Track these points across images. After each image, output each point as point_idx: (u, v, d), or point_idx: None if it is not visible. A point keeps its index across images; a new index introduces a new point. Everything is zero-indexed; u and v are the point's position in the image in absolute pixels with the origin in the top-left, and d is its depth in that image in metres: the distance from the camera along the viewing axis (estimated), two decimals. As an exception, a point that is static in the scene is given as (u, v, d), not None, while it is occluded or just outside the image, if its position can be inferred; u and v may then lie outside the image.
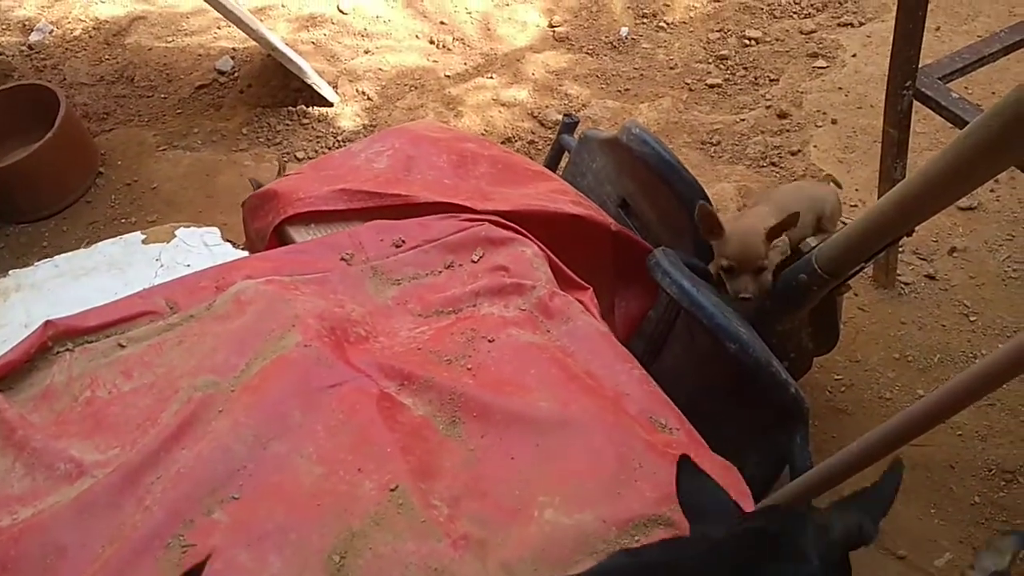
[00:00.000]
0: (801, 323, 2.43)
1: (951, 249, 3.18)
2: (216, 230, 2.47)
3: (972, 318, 3.00)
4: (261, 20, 4.36)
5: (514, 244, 2.04)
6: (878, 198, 2.95)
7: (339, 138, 3.89)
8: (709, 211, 2.14)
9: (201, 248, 2.39)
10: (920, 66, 2.58)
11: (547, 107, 3.91)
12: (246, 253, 2.40)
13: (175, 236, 2.41)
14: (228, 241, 2.41)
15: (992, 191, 3.31)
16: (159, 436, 1.57)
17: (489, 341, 1.80)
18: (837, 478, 2.00)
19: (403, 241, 2.03)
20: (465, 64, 4.20)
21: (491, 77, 4.10)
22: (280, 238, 2.18)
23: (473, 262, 2.00)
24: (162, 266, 2.31)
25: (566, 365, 1.75)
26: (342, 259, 2.00)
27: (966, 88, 3.52)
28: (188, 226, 2.45)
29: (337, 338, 1.78)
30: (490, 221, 2.09)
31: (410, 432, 1.61)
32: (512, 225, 2.10)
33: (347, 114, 4.00)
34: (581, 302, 2.03)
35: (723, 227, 2.16)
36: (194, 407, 1.62)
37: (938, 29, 3.97)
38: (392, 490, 1.52)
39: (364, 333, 1.84)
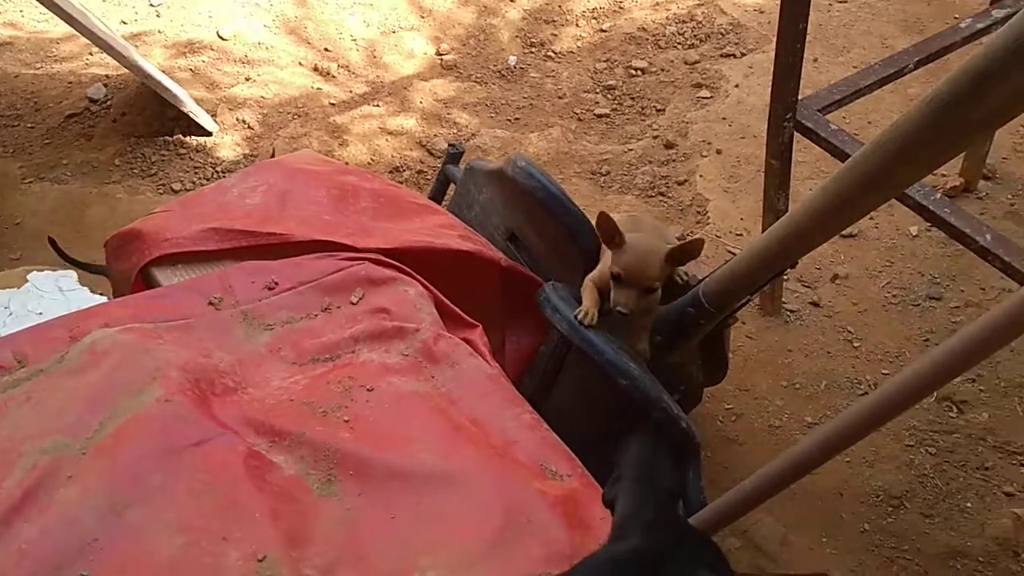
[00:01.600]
0: (690, 356, 2.41)
1: (834, 276, 3.23)
2: (73, 274, 2.29)
3: (856, 344, 3.05)
4: (136, 46, 4.17)
5: (396, 284, 1.95)
6: (762, 227, 2.98)
7: (218, 168, 3.73)
8: (609, 218, 2.02)
9: (55, 293, 2.21)
10: (800, 98, 2.61)
11: (435, 136, 3.84)
12: (104, 299, 2.24)
13: (27, 281, 2.22)
14: (86, 286, 2.23)
15: (871, 218, 3.38)
16: (-2, 508, 1.42)
17: (368, 390, 1.70)
18: (731, 516, 1.98)
19: (276, 283, 1.91)
20: (350, 92, 4.10)
21: (378, 105, 4.01)
22: (146, 281, 2.03)
23: (352, 304, 1.90)
24: (11, 314, 2.13)
25: (451, 414, 1.67)
26: (210, 303, 1.87)
27: (844, 118, 3.60)
28: (42, 269, 2.26)
29: (202, 391, 1.65)
30: (371, 260, 1.99)
31: (281, 493, 1.50)
32: (395, 263, 2.01)
33: (227, 144, 3.85)
34: (470, 341, 1.95)
35: (624, 237, 2.04)
36: (40, 473, 1.47)
37: (816, 60, 4.07)
38: (260, 560, 1.40)
39: (232, 384, 1.72)
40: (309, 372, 1.77)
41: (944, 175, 3.40)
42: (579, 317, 2.06)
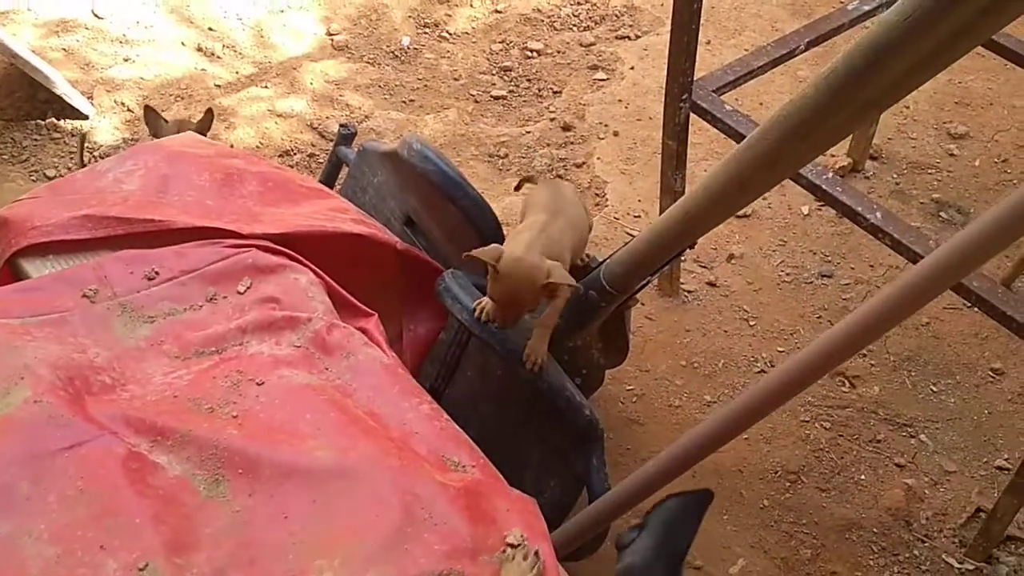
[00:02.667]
0: (592, 338, 2.39)
1: (729, 256, 3.26)
2: (-71, 267, 2.11)
3: (751, 322, 3.09)
4: (3, 24, 3.92)
5: (286, 271, 1.87)
6: (660, 208, 2.98)
7: (96, 154, 3.53)
8: (476, 258, 1.90)
9: (-90, 289, 2.03)
10: (695, 79, 2.61)
11: (327, 118, 3.72)
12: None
13: None
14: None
15: (764, 199, 3.43)
16: None
17: (258, 384, 1.61)
18: (635, 499, 1.97)
19: (156, 273, 1.80)
20: (237, 73, 3.93)
21: (266, 87, 3.86)
22: (14, 273, 1.89)
23: (239, 294, 1.81)
24: None
25: (346, 407, 1.59)
26: (84, 296, 1.75)
27: (737, 100, 3.65)
28: None
29: (76, 390, 1.54)
30: (258, 246, 1.90)
31: (164, 497, 1.41)
32: (284, 250, 1.92)
33: (105, 128, 3.65)
34: (365, 331, 1.88)
35: (496, 268, 1.91)
36: None
37: (708, 43, 4.11)
38: (141, 569, 1.31)
39: (110, 381, 1.61)
40: (194, 366, 1.67)
41: (833, 155, 3.47)
42: (477, 312, 2.01)
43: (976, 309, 2.49)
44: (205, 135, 2.71)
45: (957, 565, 2.49)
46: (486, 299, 2.00)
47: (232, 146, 3.45)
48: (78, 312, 1.73)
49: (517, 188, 2.55)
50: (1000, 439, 2.77)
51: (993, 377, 2.92)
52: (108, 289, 1.78)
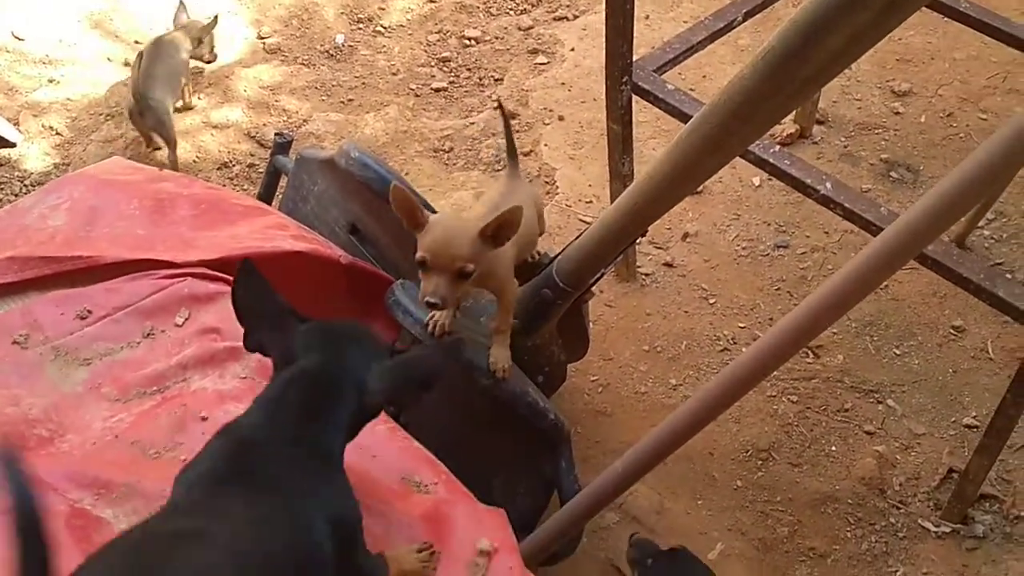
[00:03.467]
0: (551, 336, 2.34)
1: (684, 235, 3.23)
2: None
3: (711, 300, 3.06)
4: (-85, 51, 3.77)
5: (225, 299, 1.79)
6: (610, 192, 2.94)
7: (26, 182, 3.40)
8: (405, 195, 1.68)
9: None
10: (635, 59, 2.56)
11: (264, 126, 3.62)
12: None
13: None
14: None
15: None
16: None
17: (203, 420, 1.55)
18: (605, 500, 1.92)
19: (89, 312, 1.73)
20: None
21: (199, 98, 3.75)
22: (-63, 322, 1.80)
23: (177, 326, 1.74)
24: None
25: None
26: (14, 343, 1.68)
27: (680, 74, 3.60)
28: None
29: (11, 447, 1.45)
30: (194, 274, 1.82)
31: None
32: (222, 275, 1.85)
33: (34, 154, 3.52)
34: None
35: (426, 216, 1.71)
36: None
37: (647, 18, 4.06)
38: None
39: (47, 434, 1.53)
40: (135, 408, 1.60)
41: (780, 123, 3.45)
42: (430, 327, 1.94)
43: (933, 271, 2.48)
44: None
45: (934, 529, 2.49)
46: (439, 312, 1.94)
47: (163, 167, 3.34)
48: (8, 360, 1.65)
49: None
50: (966, 397, 2.77)
51: (955, 335, 2.92)
52: (39, 333, 1.70)
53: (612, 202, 2.74)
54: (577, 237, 2.04)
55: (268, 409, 1.34)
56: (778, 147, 2.41)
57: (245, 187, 3.39)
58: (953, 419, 2.72)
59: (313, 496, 1.27)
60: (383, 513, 1.46)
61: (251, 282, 1.40)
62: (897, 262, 1.50)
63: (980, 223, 3.09)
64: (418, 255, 1.70)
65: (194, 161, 3.47)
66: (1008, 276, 2.39)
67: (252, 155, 3.52)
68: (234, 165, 3.48)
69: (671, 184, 1.76)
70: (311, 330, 1.41)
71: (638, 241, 3.10)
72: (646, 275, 3.12)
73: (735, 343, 2.91)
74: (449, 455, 1.81)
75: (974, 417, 2.71)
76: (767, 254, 3.17)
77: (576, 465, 2.12)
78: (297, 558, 1.22)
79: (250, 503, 1.23)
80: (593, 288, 2.37)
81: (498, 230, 1.70)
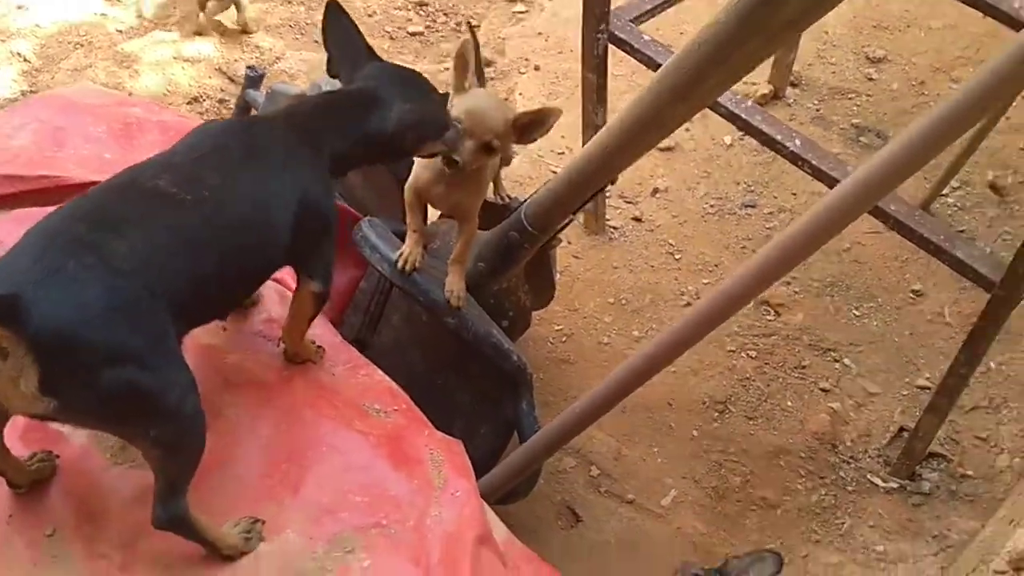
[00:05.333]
0: (517, 281, 2.36)
1: (654, 190, 3.25)
2: None
3: (677, 256, 3.08)
4: None
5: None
6: (583, 144, 2.93)
7: (-9, 108, 3.34)
8: (468, 54, 1.85)
9: None
10: (612, 9, 2.56)
11: (236, 61, 3.58)
12: None
13: None
14: None
15: (687, 130, 3.41)
16: None
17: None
18: (565, 438, 1.96)
19: (52, 231, 1.70)
20: (139, 17, 3.74)
21: (170, 31, 3.69)
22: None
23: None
24: None
25: (256, 372, 1.54)
26: (-25, 260, 1.65)
27: (657, 29, 3.58)
28: None
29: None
30: (161, 199, 1.81)
31: (68, 467, 1.34)
32: (188, 201, 1.83)
33: (1, 80, 3.45)
34: (280, 280, 1.82)
35: (472, 81, 1.89)
36: None
37: (628, -29, 4.03)
38: (49, 535, 1.26)
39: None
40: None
41: (754, 83, 3.46)
42: (399, 263, 1.94)
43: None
44: None
45: (882, 484, 2.55)
46: (407, 248, 1.94)
47: (131, 94, 3.29)
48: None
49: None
50: (921, 359, 2.83)
51: (913, 298, 2.97)
52: (2, 251, 1.68)
53: (584, 152, 2.75)
54: (546, 182, 2.05)
55: (295, 105, 1.57)
56: (750, 103, 2.43)
57: (214, 123, 3.35)
58: (907, 380, 2.78)
59: (291, 174, 1.41)
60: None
61: (339, 19, 1.63)
62: (851, 215, 1.53)
63: (944, 191, 3.13)
64: (455, 113, 1.80)
65: (164, 94, 3.42)
66: (966, 239, 2.44)
67: (222, 91, 3.48)
68: (204, 100, 3.44)
69: (642, 129, 1.76)
70: (377, 67, 1.65)
71: (608, 193, 3.12)
72: (614, 228, 3.14)
73: (698, 299, 2.94)
74: (413, 391, 1.82)
75: (927, 379, 2.77)
76: (735, 213, 3.20)
77: (537, 408, 2.14)
78: (257, 227, 1.38)
79: (228, 172, 1.37)
80: (561, 235, 2.38)
81: (529, 124, 1.84)
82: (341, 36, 1.64)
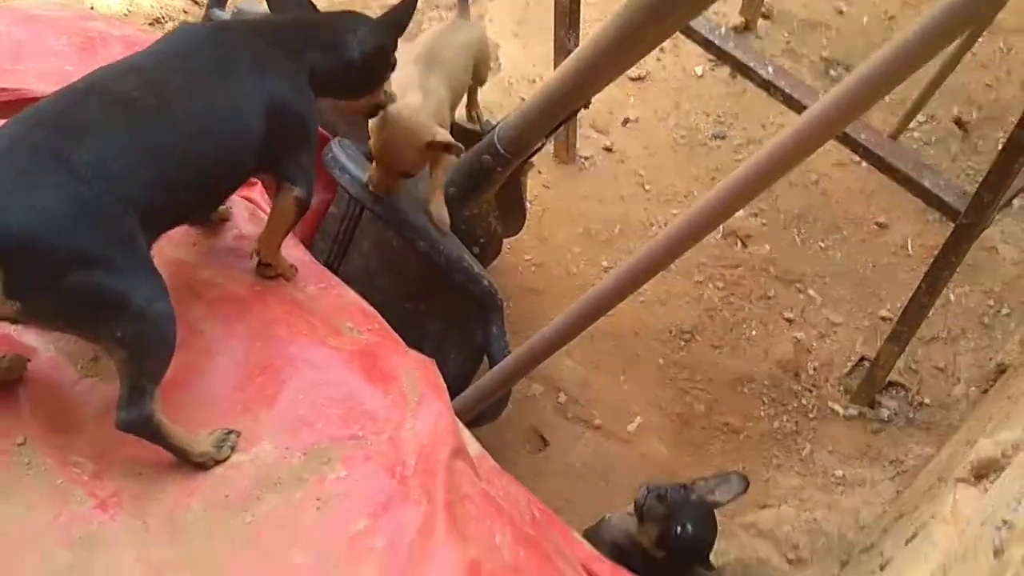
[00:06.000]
0: (488, 206, 2.35)
1: (625, 120, 3.24)
2: None
3: (647, 187, 3.09)
4: None
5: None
6: (554, 70, 2.91)
7: (-57, 24, 3.23)
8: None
9: None
10: (586, -68, 2.52)
11: (200, -18, 3.48)
12: None
13: None
14: None
15: (658, 60, 3.39)
16: None
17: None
18: (533, 362, 1.97)
19: (15, 145, 1.66)
20: (97, -67, 3.62)
21: (130, -50, 3.57)
22: None
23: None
24: None
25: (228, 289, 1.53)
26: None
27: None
28: None
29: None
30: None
31: (37, 380, 1.33)
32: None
33: (-49, -5, 3.33)
34: (250, 199, 1.80)
35: (382, 116, 1.79)
36: None
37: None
38: (20, 444, 1.25)
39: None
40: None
41: (724, 14, 3.44)
42: (370, 185, 1.93)
43: (863, 164, 2.54)
44: None
45: (842, 411, 2.61)
46: (377, 169, 1.93)
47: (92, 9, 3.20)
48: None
49: None
50: (884, 291, 2.88)
51: (878, 231, 3.01)
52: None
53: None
54: (519, 105, 2.04)
55: (269, 17, 1.60)
56: (723, 29, 2.41)
57: (178, 45, 3.27)
58: (869, 311, 2.83)
59: (260, 77, 1.40)
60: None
61: None
62: (818, 140, 1.54)
63: (911, 125, 3.15)
64: (372, 149, 1.83)
65: (126, 14, 3.32)
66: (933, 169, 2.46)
67: (185, 12, 3.39)
68: (167, 21, 3.35)
69: (615, 51, 1.75)
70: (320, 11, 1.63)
71: (578, 123, 3.10)
72: (585, 158, 3.13)
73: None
74: (387, 316, 1.82)
75: (888, 310, 2.82)
76: (704, 144, 3.20)
77: (507, 333, 2.15)
78: (224, 130, 1.37)
79: (195, 76, 1.35)
80: (532, 162, 2.38)
81: (444, 149, 1.83)
82: None
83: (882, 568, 1.40)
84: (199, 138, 1.33)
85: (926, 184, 2.15)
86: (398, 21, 1.59)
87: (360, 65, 1.56)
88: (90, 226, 1.18)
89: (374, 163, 1.88)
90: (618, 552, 1.91)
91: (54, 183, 1.16)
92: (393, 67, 1.67)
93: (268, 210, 1.76)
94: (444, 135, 1.83)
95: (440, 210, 1.96)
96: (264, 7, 2.30)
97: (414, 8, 1.61)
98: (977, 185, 2.03)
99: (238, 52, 1.42)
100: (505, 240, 2.64)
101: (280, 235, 1.55)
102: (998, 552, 0.75)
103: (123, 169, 1.22)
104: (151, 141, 1.27)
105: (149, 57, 1.38)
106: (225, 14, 2.55)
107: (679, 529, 1.83)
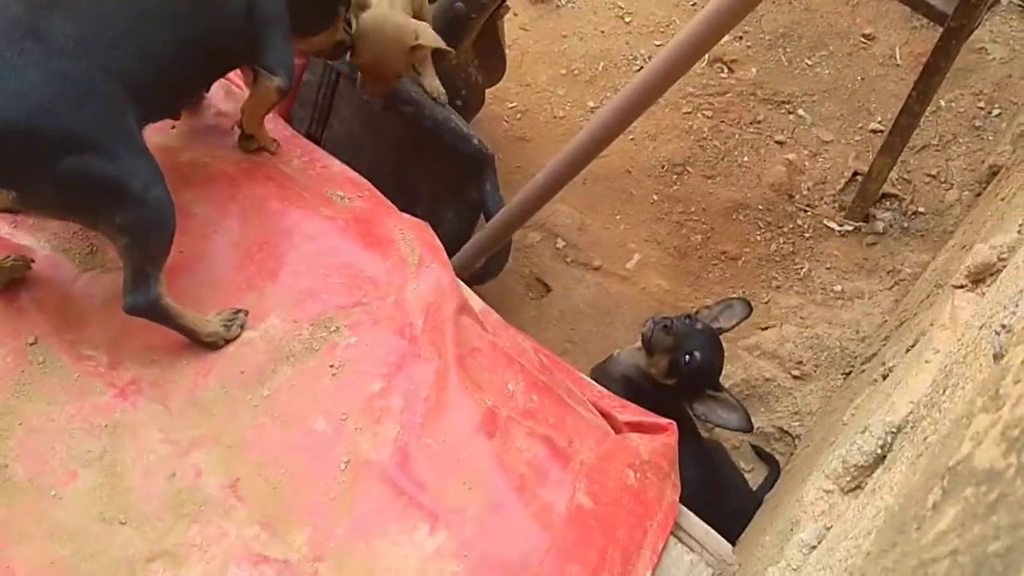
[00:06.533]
0: (467, 56, 2.29)
1: (598, -49, 3.12)
2: None
3: (627, 19, 3.00)
4: None
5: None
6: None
7: None
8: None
9: None
10: None
11: None
12: None
13: None
14: None
15: None
16: None
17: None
18: (529, 211, 1.97)
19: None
20: None
21: None
22: None
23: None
24: None
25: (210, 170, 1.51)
26: None
27: None
28: None
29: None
30: None
31: (38, 279, 1.34)
32: None
33: None
34: (227, 78, 1.76)
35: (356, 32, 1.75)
36: None
37: None
38: (32, 344, 1.27)
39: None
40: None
41: None
42: (365, 96, 1.88)
43: (847, -27, 2.45)
44: None
45: (838, 228, 2.63)
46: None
47: None
48: None
49: None
50: (873, 103, 2.85)
51: (865, 43, 2.95)
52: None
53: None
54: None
55: None
56: None
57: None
58: (860, 125, 2.81)
59: None
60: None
61: None
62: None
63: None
64: (359, 62, 1.77)
65: None
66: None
67: None
68: None
69: None
70: None
71: (551, -42, 2.98)
72: (561, -5, 3.03)
73: (651, 61, 2.89)
74: (377, 182, 1.81)
75: (879, 123, 2.80)
76: (682, -32, 3.09)
77: (500, 187, 2.14)
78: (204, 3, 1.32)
79: None
80: (507, 4, 2.30)
81: (433, 53, 1.83)
82: None
83: (884, 377, 1.45)
84: (185, 8, 1.28)
85: (913, -11, 2.09)
86: None
87: None
88: (77, 106, 1.14)
89: (362, 74, 1.83)
90: (628, 385, 1.97)
91: (33, 63, 1.12)
92: (348, 4, 1.60)
93: (243, 87, 1.73)
94: (428, 35, 1.77)
95: (434, 81, 1.92)
96: None
97: None
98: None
99: None
100: (487, 89, 2.59)
101: (260, 116, 1.52)
102: (997, 356, 0.77)
103: (109, 42, 1.17)
104: (136, 10, 1.22)
105: None
106: None
107: (688, 357, 1.88)
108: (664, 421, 1.47)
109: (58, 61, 1.13)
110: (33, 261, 1.33)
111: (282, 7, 1.43)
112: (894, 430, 1.05)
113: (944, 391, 0.95)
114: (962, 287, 1.21)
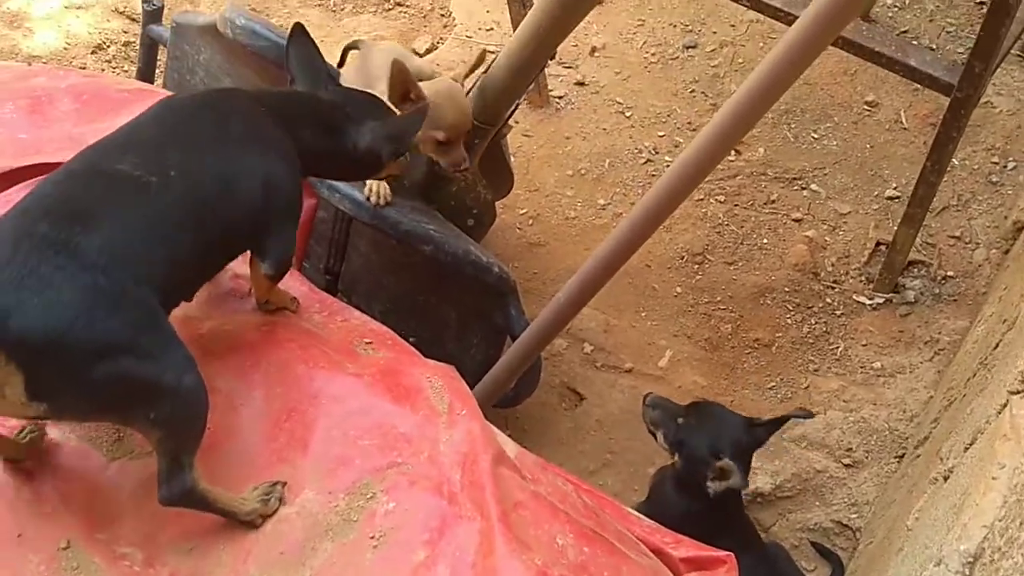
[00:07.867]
0: (475, 176, 2.29)
1: (592, 49, 3.14)
2: None
3: (628, 113, 3.01)
4: None
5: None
6: (510, 14, 2.81)
7: None
8: (404, 69, 1.75)
9: None
10: None
11: (132, -1, 3.36)
12: None
13: None
14: None
15: (614, -21, 3.28)
16: None
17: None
18: (553, 331, 1.94)
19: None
20: (17, -32, 3.49)
21: (54, -20, 3.45)
22: None
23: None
24: None
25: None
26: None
27: None
28: None
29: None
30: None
31: (65, 472, 1.31)
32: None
33: None
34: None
35: (422, 91, 1.78)
36: None
37: None
38: (64, 548, 1.24)
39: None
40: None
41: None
42: (371, 199, 1.88)
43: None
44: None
45: (868, 301, 2.58)
46: (374, 182, 1.89)
47: (30, 61, 3.10)
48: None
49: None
50: (886, 170, 2.83)
51: (869, 110, 2.94)
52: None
53: (513, 25, 2.64)
54: (484, 75, 1.98)
55: (267, 90, 1.64)
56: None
57: (126, 68, 3.18)
58: (875, 193, 2.78)
59: (258, 152, 1.40)
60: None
61: (304, 41, 1.60)
62: (810, 55, 1.48)
63: (881, -9, 3.06)
64: (437, 136, 1.80)
65: (65, 48, 3.22)
66: (915, 43, 2.39)
67: (125, 32, 3.28)
68: (109, 46, 3.24)
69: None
70: (339, 90, 1.65)
71: (547, 64, 3.01)
72: (559, 98, 3.05)
73: (657, 153, 2.90)
74: (397, 314, 1.79)
75: (895, 188, 2.77)
76: (677, 57, 3.11)
77: (523, 308, 2.12)
78: (224, 202, 1.35)
79: (194, 150, 1.35)
80: (509, 124, 2.31)
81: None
82: (304, 57, 1.60)
83: (945, 479, 1.39)
84: (204, 214, 1.32)
85: (913, 63, 2.08)
86: (399, 135, 1.56)
87: (355, 157, 1.53)
88: (111, 315, 1.16)
89: (443, 150, 1.85)
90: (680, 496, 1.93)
91: (65, 278, 1.14)
92: (403, 153, 1.62)
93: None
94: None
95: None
96: (204, 18, 2.23)
97: (419, 126, 1.58)
98: (961, 43, 1.96)
99: (237, 125, 1.41)
100: (498, 201, 2.59)
101: (265, 289, 1.52)
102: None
103: (137, 253, 1.21)
104: (159, 221, 1.26)
105: (145, 130, 1.38)
106: (164, 30, 2.48)
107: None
108: (722, 554, 1.40)
109: (90, 275, 1.15)
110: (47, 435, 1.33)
111: (296, 199, 1.46)
112: (971, 559, 0.99)
113: (1021, 523, 0.90)
114: (1018, 392, 1.16)
